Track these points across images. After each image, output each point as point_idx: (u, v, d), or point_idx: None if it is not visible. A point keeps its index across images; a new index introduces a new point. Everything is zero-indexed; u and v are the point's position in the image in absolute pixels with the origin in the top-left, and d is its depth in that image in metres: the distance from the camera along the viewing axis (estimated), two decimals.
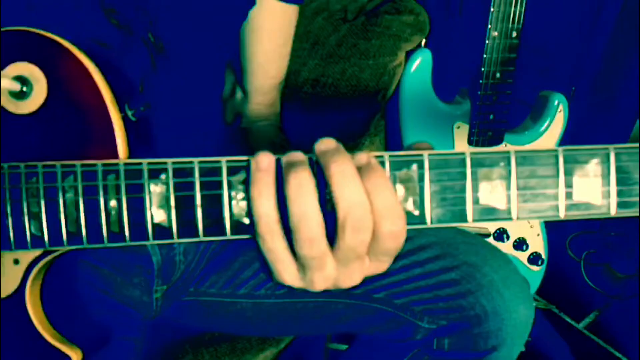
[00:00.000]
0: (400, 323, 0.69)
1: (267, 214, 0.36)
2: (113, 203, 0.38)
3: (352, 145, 1.02)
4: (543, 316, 1.42)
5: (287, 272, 0.37)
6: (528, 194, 0.35)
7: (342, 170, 0.35)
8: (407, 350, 0.70)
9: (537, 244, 1.19)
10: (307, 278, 0.37)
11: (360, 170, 0.35)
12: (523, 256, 1.19)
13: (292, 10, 0.71)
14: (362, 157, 0.36)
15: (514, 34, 1.01)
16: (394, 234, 0.35)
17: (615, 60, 1.38)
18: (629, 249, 1.45)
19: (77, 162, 0.38)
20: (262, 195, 0.35)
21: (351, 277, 0.38)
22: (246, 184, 0.37)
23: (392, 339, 0.72)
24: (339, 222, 0.35)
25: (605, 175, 0.35)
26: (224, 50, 0.68)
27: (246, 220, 0.37)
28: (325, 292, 0.71)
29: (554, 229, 1.22)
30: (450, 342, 0.66)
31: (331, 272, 0.37)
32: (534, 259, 1.19)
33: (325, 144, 0.36)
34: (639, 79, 1.27)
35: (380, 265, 0.38)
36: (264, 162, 0.36)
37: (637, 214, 0.35)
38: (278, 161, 0.36)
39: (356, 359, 0.83)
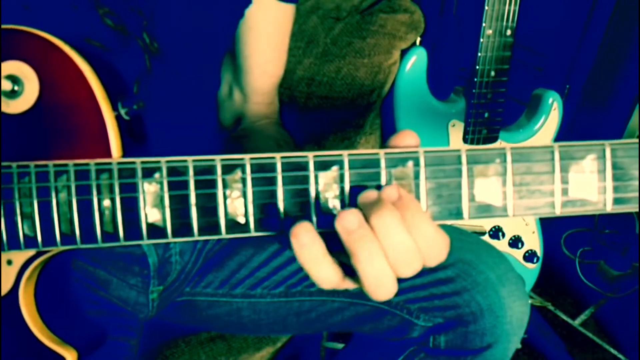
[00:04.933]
0: (397, 321, 0.69)
1: (330, 279, 0.36)
2: (107, 203, 0.38)
3: (347, 143, 1.02)
4: (538, 313, 1.42)
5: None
6: (524, 191, 0.35)
7: (385, 222, 0.34)
8: (404, 348, 0.70)
9: (533, 241, 1.19)
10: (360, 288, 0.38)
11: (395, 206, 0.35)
12: (518, 254, 1.19)
13: (289, 8, 0.71)
14: (392, 191, 0.36)
15: (508, 32, 1.01)
16: (439, 262, 0.37)
17: (609, 58, 1.39)
18: (623, 247, 1.45)
19: (70, 162, 0.38)
20: (320, 265, 0.36)
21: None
22: (241, 182, 0.37)
23: (388, 337, 0.72)
24: (391, 262, 0.35)
25: (602, 171, 0.35)
26: (220, 49, 0.68)
27: (241, 219, 0.37)
28: (321, 292, 0.71)
29: (549, 227, 1.22)
30: (446, 339, 0.67)
31: None
32: (530, 256, 1.19)
33: (365, 197, 0.36)
34: (638, 77, 1.27)
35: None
36: (306, 238, 0.35)
37: (633, 210, 0.35)
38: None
39: (352, 358, 0.83)
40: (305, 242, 0.35)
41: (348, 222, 0.34)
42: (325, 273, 0.36)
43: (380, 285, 0.35)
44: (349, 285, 0.38)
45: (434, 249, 0.36)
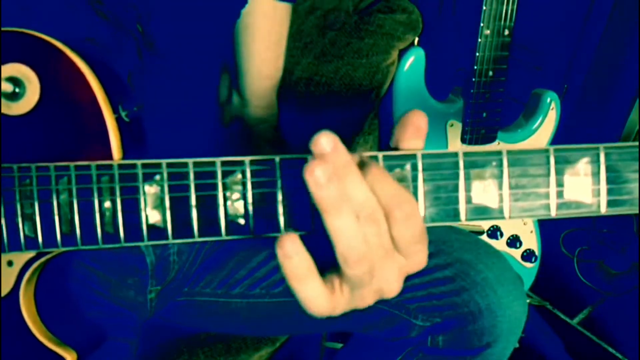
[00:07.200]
0: (395, 321, 0.69)
1: (317, 296, 0.36)
2: (107, 204, 0.38)
3: (346, 144, 1.03)
4: (537, 313, 1.42)
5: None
6: (520, 193, 0.35)
7: (346, 172, 0.34)
8: (402, 348, 0.70)
9: (531, 241, 1.19)
10: (357, 296, 0.37)
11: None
12: (517, 253, 1.20)
13: (284, 8, 0.71)
14: (354, 157, 0.35)
15: (506, 32, 1.01)
16: (407, 217, 0.34)
17: (607, 58, 1.39)
18: (622, 245, 1.46)
19: (71, 164, 0.38)
20: (305, 281, 0.36)
21: (389, 280, 0.37)
22: (241, 184, 0.37)
23: (387, 337, 0.72)
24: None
25: (596, 174, 0.35)
26: (217, 49, 0.68)
27: (241, 221, 0.38)
28: None
29: (548, 226, 1.22)
30: (444, 339, 0.67)
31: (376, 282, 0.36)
32: (528, 256, 1.19)
33: (321, 145, 0.34)
34: (638, 76, 1.27)
35: (417, 258, 0.36)
36: (291, 248, 0.34)
37: (629, 213, 0.35)
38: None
39: (351, 357, 0.83)
40: (291, 253, 0.34)
41: (318, 176, 0.33)
42: (311, 290, 0.35)
43: (350, 244, 0.34)
44: (340, 298, 0.36)
45: (397, 205, 0.34)
